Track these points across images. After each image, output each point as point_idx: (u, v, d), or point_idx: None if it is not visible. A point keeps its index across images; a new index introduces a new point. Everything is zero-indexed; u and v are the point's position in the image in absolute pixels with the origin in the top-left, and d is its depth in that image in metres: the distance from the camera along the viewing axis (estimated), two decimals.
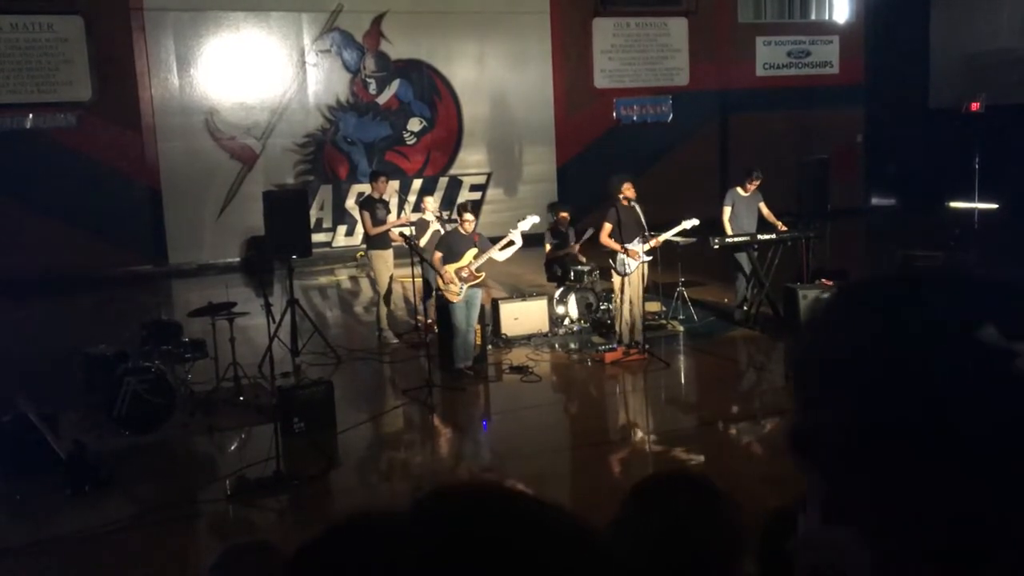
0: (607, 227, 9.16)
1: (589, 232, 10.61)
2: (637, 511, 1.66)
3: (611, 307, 9.68)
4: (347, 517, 0.68)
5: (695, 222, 9.59)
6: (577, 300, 10.05)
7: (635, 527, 1.62)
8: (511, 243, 8.79)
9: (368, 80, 16.53)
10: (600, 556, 0.69)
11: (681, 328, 10.10)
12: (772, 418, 7.62)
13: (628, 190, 9.11)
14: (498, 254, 8.85)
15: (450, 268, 8.59)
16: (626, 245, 9.00)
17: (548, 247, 10.88)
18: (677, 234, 9.60)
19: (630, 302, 9.16)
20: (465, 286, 8.61)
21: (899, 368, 0.68)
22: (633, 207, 9.10)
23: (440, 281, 8.64)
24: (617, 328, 9.33)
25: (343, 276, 15.31)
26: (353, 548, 0.65)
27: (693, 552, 1.57)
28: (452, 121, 17.17)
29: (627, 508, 1.66)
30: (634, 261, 9.09)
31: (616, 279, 9.19)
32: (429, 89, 16.95)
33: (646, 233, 9.16)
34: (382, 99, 16.69)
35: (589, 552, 0.69)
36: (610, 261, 9.38)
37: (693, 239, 9.88)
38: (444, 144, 17.14)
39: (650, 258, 9.30)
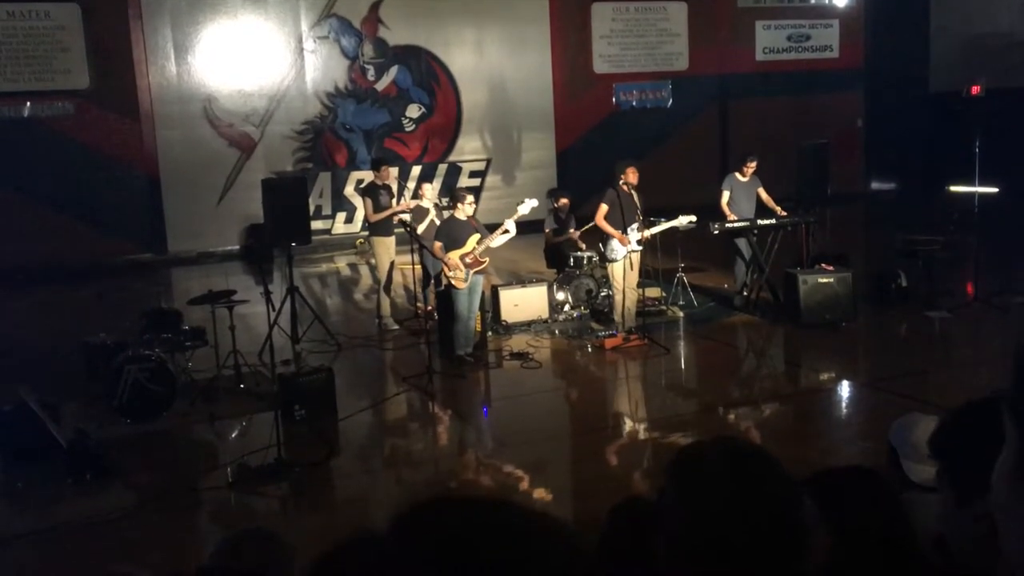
0: (603, 208, 9.12)
1: (591, 225, 10.58)
2: (688, 486, 1.38)
3: (610, 293, 9.66)
4: (326, 553, 0.68)
5: (692, 218, 9.54)
6: (576, 286, 10.05)
7: (689, 502, 1.36)
8: (506, 231, 8.71)
9: (366, 66, 16.47)
10: (587, 561, 0.69)
11: (681, 314, 10.10)
12: (772, 403, 7.64)
13: (631, 175, 9.05)
14: (496, 241, 8.79)
15: (454, 255, 8.55)
16: (620, 231, 8.98)
17: (548, 233, 10.87)
18: (668, 228, 9.50)
19: (626, 290, 9.14)
20: (470, 272, 8.59)
21: None
22: (631, 193, 9.07)
23: (446, 268, 8.61)
24: (617, 315, 9.32)
25: (342, 263, 15.30)
26: None
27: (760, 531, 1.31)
28: (451, 107, 17.11)
29: (676, 482, 1.39)
30: (623, 249, 9.07)
31: (616, 266, 9.15)
32: (428, 75, 16.88)
33: (638, 222, 9.11)
34: (380, 85, 16.63)
35: (576, 558, 0.68)
36: (600, 246, 9.34)
37: (693, 225, 9.85)
38: (443, 130, 17.09)
39: (640, 247, 9.21)
